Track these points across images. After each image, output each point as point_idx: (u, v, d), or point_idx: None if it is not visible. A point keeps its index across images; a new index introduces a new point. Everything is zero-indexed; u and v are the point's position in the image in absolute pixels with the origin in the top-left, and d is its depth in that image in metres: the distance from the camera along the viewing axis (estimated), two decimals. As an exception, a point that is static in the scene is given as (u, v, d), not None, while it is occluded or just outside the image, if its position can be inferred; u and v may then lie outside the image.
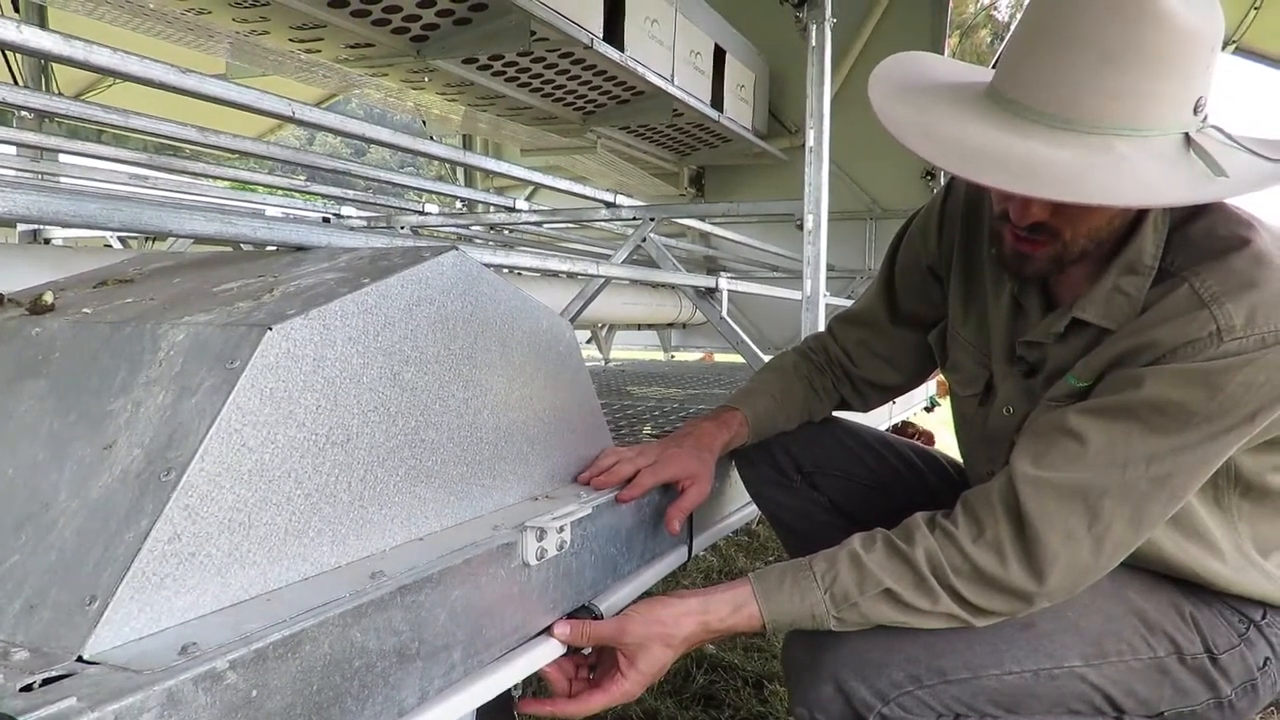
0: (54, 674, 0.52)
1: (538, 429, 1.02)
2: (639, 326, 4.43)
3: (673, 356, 4.81)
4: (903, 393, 1.43)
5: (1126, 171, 0.74)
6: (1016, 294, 1.12)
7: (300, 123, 1.28)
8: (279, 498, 0.68)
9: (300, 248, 0.94)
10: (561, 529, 0.93)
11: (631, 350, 5.01)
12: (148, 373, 0.68)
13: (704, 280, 2.09)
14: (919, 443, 1.44)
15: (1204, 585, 1.09)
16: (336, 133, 1.30)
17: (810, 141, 1.98)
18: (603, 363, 4.05)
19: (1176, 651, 1.07)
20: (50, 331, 0.75)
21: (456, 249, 0.88)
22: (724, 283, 2.15)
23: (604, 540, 1.04)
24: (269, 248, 0.97)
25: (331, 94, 4.67)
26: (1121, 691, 1.06)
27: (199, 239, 0.80)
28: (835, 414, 1.44)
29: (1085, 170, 0.74)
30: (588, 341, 4.33)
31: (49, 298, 0.79)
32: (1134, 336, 0.96)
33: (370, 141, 1.45)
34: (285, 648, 0.60)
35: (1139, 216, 1.00)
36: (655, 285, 4.33)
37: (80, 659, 0.54)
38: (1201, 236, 0.97)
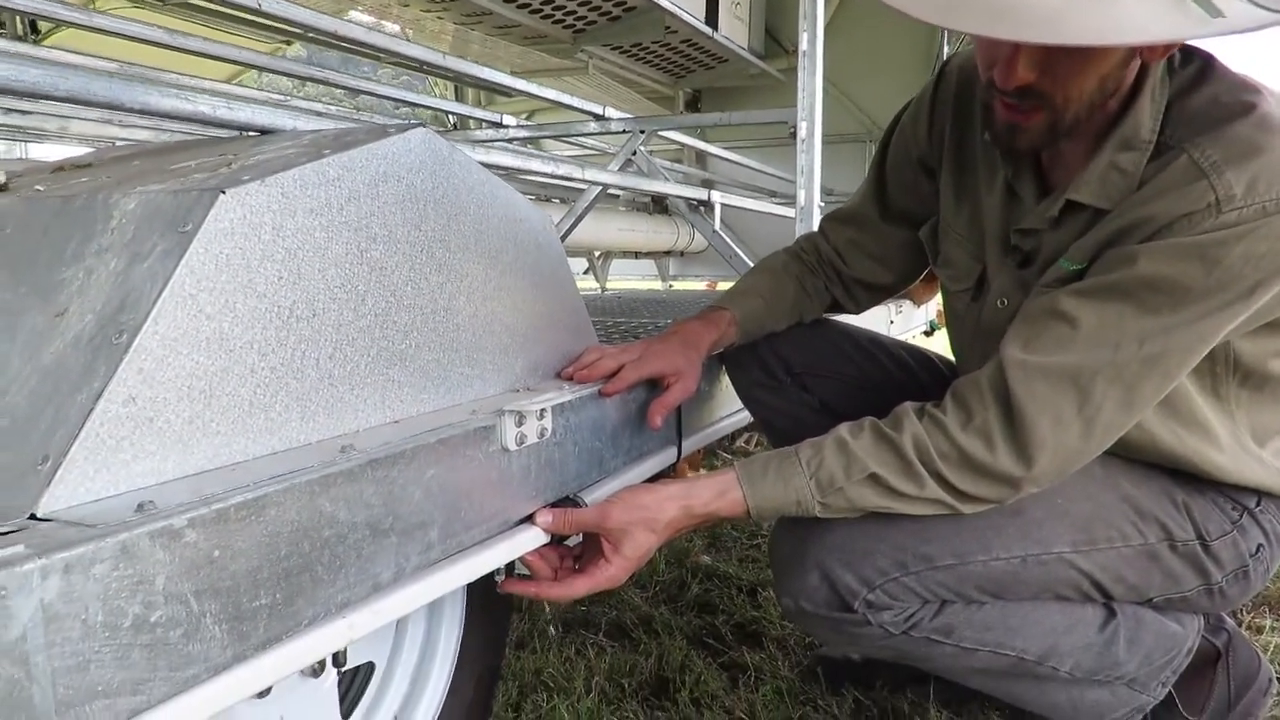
0: (4, 529, 0.51)
1: (517, 320, 1.00)
2: (636, 255, 4.38)
3: (671, 286, 4.77)
4: (894, 293, 1.40)
5: (1112, 11, 0.71)
6: (1010, 180, 1.09)
7: (268, 18, 1.23)
8: (241, 368, 0.66)
9: (265, 131, 0.91)
10: (542, 415, 0.92)
11: (629, 280, 4.97)
12: (99, 241, 0.66)
13: (696, 192, 2.06)
14: None
15: (1199, 475, 1.08)
16: (306, 32, 1.25)
17: (804, 44, 1.93)
18: (599, 291, 4.02)
19: (1168, 538, 1.07)
20: (2, 208, 0.72)
21: (424, 125, 0.85)
22: (716, 196, 2.11)
23: (588, 433, 1.03)
24: (234, 135, 0.94)
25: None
26: (1110, 577, 1.06)
27: (153, 113, 0.77)
28: (827, 316, 1.42)
29: (1068, 10, 0.71)
30: (585, 272, 4.29)
31: (2, 177, 0.77)
32: (1129, 213, 0.93)
33: (347, 44, 1.40)
34: (248, 511, 0.59)
35: (1135, 88, 0.96)
36: (651, 212, 4.28)
37: (34, 516, 0.53)
38: (1203, 106, 0.93)
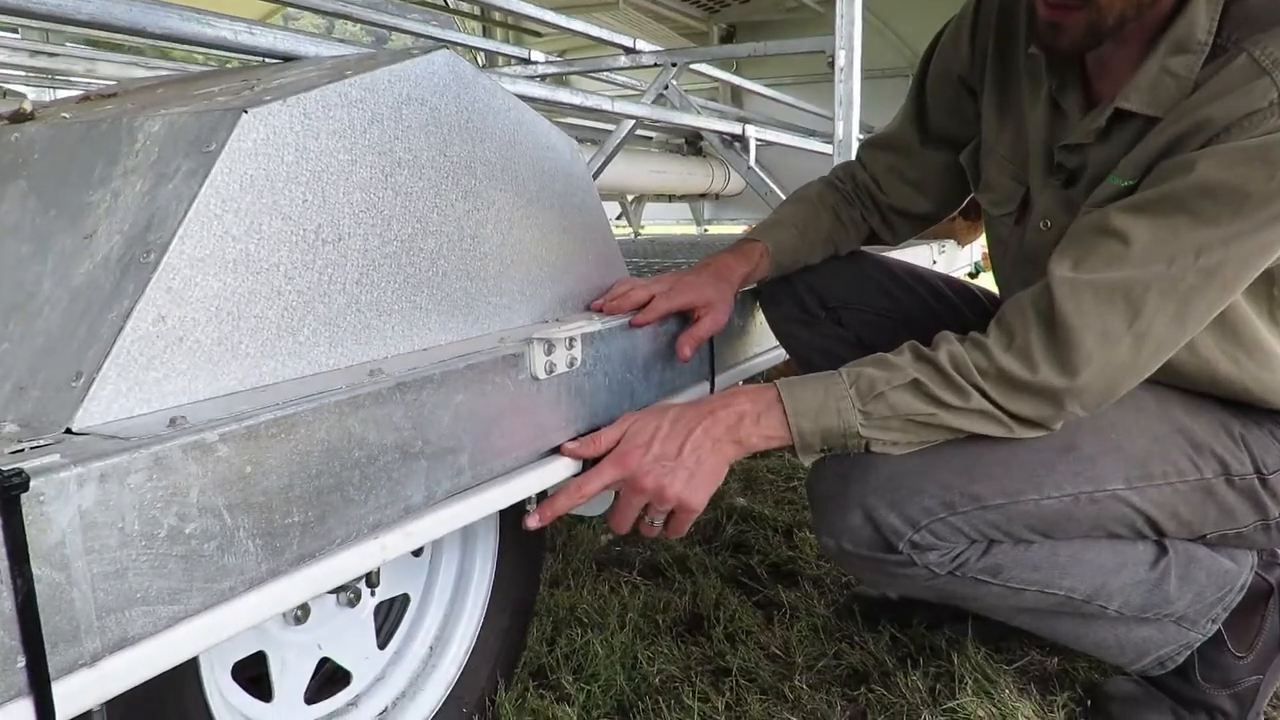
0: (42, 442, 0.53)
1: (546, 251, 1.00)
2: (669, 198, 4.35)
3: (706, 230, 4.74)
4: (933, 222, 1.38)
5: None
6: (1054, 93, 1.06)
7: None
8: (268, 290, 0.67)
9: (288, 58, 0.91)
10: (571, 344, 0.92)
11: (663, 225, 4.95)
12: (125, 163, 0.67)
13: (730, 126, 2.03)
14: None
15: (1255, 403, 1.06)
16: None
17: (841, -32, 1.88)
18: (632, 235, 4.01)
19: (1224, 472, 1.05)
20: (29, 135, 0.74)
21: (448, 48, 0.85)
22: (751, 130, 2.09)
23: (618, 364, 1.04)
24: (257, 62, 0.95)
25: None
26: (1165, 514, 1.04)
27: (174, 38, 0.77)
28: (864, 249, 1.40)
29: None
30: (618, 217, 4.28)
31: (28, 106, 0.78)
32: (1184, 119, 0.90)
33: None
34: (279, 429, 0.61)
35: None
36: (684, 154, 4.24)
37: (69, 430, 0.55)
38: (1262, 6, 0.90)
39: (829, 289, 1.33)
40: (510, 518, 1.10)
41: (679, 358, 1.12)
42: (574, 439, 0.95)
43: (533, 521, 0.92)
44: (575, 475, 0.95)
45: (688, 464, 0.93)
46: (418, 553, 1.07)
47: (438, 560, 1.10)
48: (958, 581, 1.03)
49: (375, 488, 0.70)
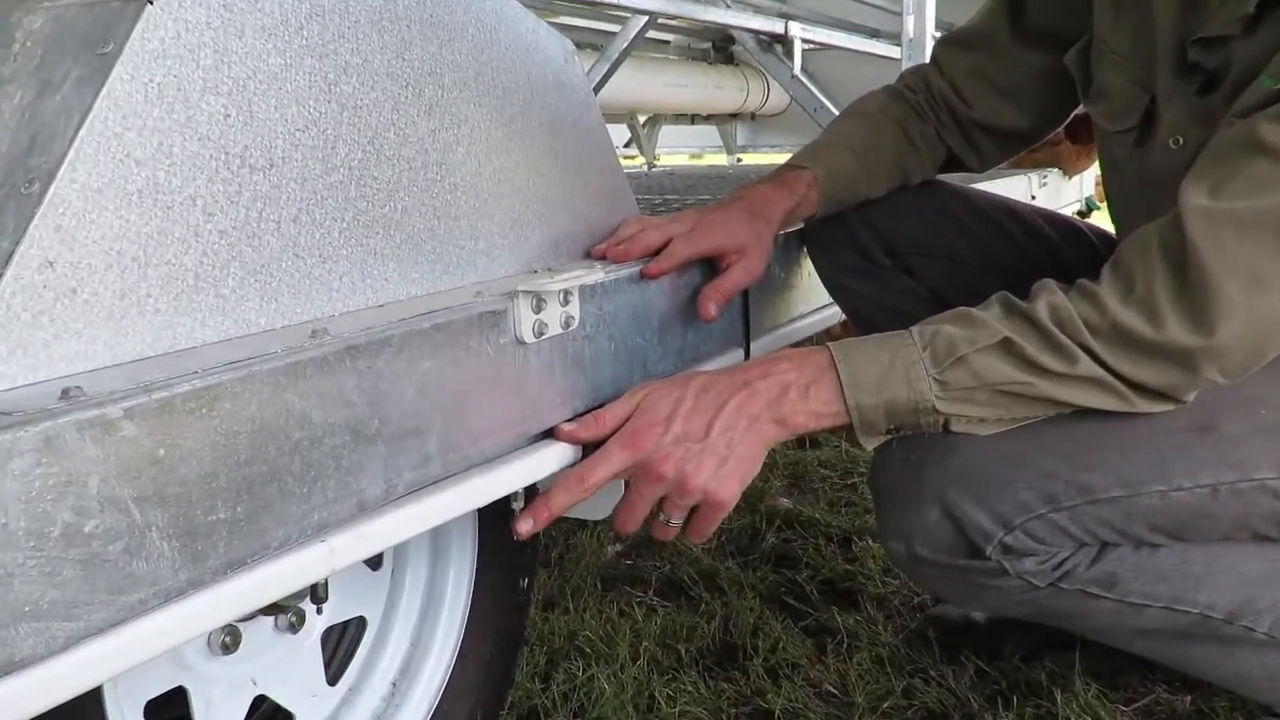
0: (-98, 419, 0.54)
1: (534, 181, 1.00)
2: (692, 119, 4.34)
3: (740, 160, 4.73)
4: (1029, 143, 1.38)
5: None
6: None
7: None
8: (183, 231, 0.68)
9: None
10: (566, 298, 0.93)
11: (684, 153, 4.94)
12: (0, 71, 0.67)
13: (770, 24, 2.02)
14: None
15: None
16: None
17: None
18: (644, 167, 4.00)
19: None
20: (-122, 37, 0.74)
21: (405, -80, 0.85)
22: (797, 29, 2.08)
23: (627, 326, 1.04)
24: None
25: None
26: None
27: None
28: (939, 177, 1.40)
29: None
30: (626, 144, 4.27)
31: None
32: None
33: None
34: (198, 402, 0.62)
35: None
36: (712, 62, 4.22)
37: (-64, 405, 0.56)
38: None
39: (896, 229, 1.33)
40: (492, 519, 1.11)
41: (703, 317, 1.13)
42: (572, 420, 0.96)
43: (523, 526, 0.93)
44: (574, 465, 0.96)
45: (717, 447, 0.93)
46: (376, 564, 1.09)
47: (401, 573, 1.11)
48: (1061, 596, 1.03)
49: (320, 478, 0.70)
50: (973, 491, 0.99)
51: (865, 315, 1.38)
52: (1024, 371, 0.94)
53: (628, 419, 0.95)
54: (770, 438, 0.96)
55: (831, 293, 1.41)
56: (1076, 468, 0.99)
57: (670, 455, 0.93)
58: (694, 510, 0.96)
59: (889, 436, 1.00)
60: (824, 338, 1.27)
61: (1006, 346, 0.94)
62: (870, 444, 1.00)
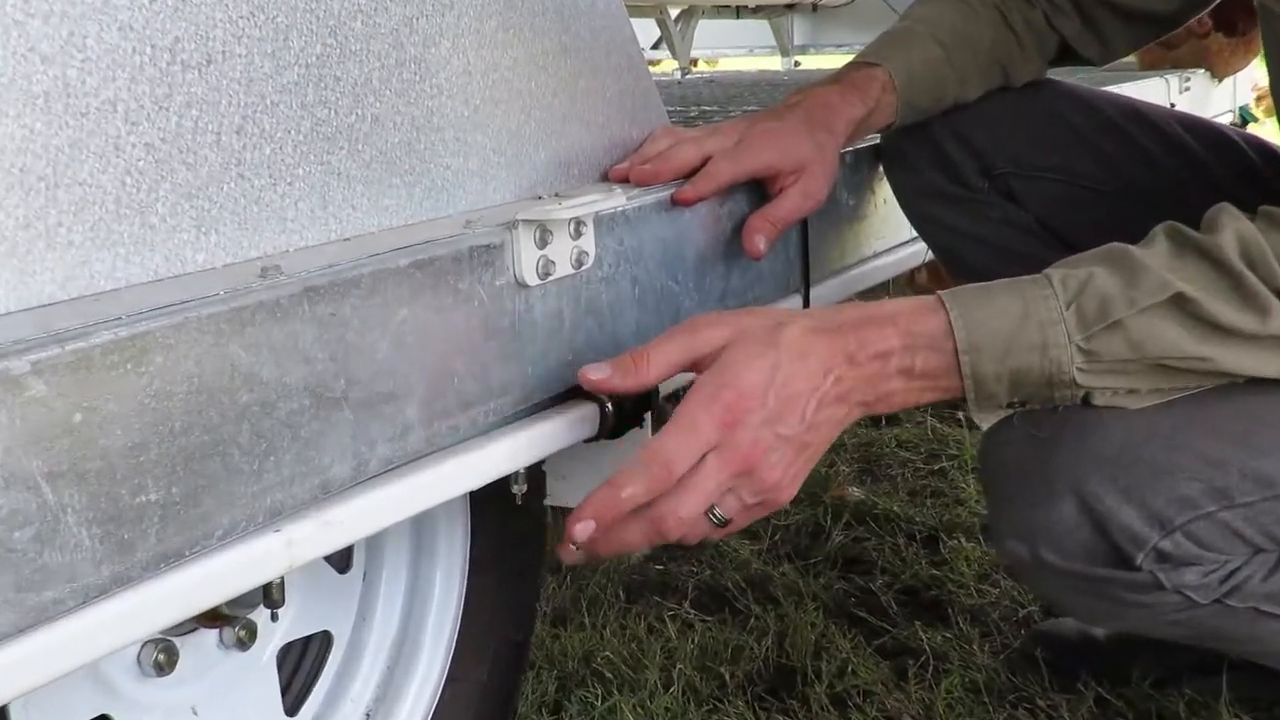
0: None
1: (539, 85, 1.00)
2: (737, 11, 4.31)
3: (797, 64, 4.71)
4: (1165, 29, 1.36)
5: None
6: None
7: None
8: (101, 144, 0.69)
9: None
10: (578, 229, 0.93)
11: (728, 56, 4.92)
12: None
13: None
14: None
15: None
16: None
17: None
18: (677, 73, 3.98)
19: None
20: None
21: None
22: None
23: (654, 264, 1.05)
24: None
25: None
26: None
27: None
28: (1048, 77, 1.39)
29: None
30: (654, 45, 4.26)
31: None
32: None
33: None
34: (123, 356, 0.62)
35: None
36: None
37: None
38: None
39: (995, 142, 1.32)
40: (488, 507, 1.12)
41: (750, 253, 1.13)
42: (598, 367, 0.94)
43: (572, 552, 0.91)
44: (599, 435, 0.97)
45: (804, 437, 0.92)
46: (345, 564, 1.10)
47: (375, 576, 1.12)
48: (1228, 615, 1.01)
49: (275, 452, 0.71)
50: (1120, 482, 0.96)
51: (957, 252, 1.38)
52: (1202, 341, 0.90)
53: (689, 367, 0.93)
54: (851, 421, 0.96)
55: (914, 223, 1.41)
56: (1252, 452, 0.96)
57: (760, 442, 0.90)
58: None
59: (1010, 410, 0.98)
60: (906, 289, 1.26)
61: (1179, 304, 0.89)
62: (985, 421, 0.99)
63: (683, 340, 0.93)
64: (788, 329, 0.92)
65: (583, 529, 0.87)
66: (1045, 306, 0.91)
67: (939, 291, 0.95)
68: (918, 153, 1.35)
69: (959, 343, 0.92)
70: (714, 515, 0.93)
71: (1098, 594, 1.01)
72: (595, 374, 0.92)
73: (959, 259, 1.38)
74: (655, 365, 0.92)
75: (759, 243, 1.12)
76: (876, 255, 1.46)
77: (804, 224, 1.24)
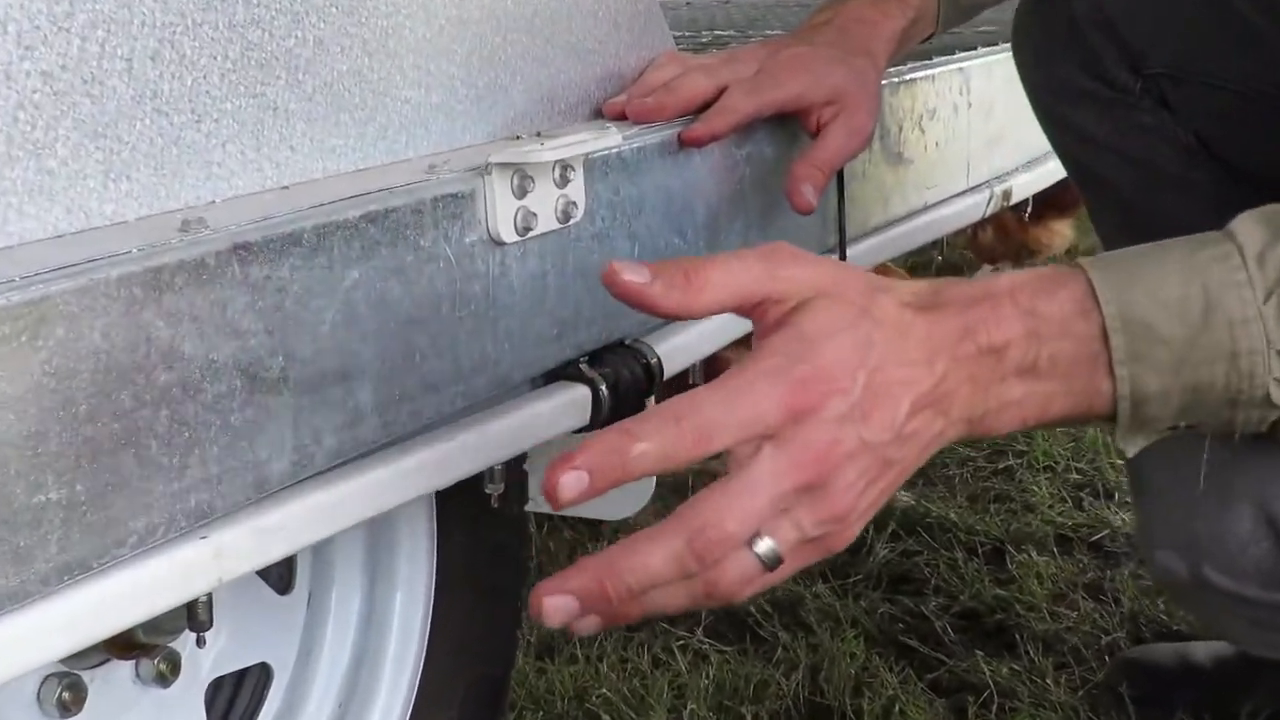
0: None
1: (516, 2, 1.01)
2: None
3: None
4: None
5: None
6: None
7: None
8: (-15, 71, 0.69)
9: None
10: (565, 175, 0.93)
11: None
12: None
13: None
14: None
15: None
16: None
17: None
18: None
19: None
20: None
21: None
22: None
23: (657, 219, 1.05)
24: None
25: None
26: None
27: None
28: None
29: None
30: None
31: None
32: None
33: None
34: (15, 327, 0.62)
35: None
36: None
37: None
38: None
39: (1149, 33, 1.25)
40: (459, 511, 1.12)
41: (798, 207, 1.11)
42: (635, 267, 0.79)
43: (554, 606, 0.74)
44: (591, 425, 0.97)
45: (897, 454, 0.79)
46: (286, 583, 1.10)
47: (323, 597, 1.12)
48: None
49: (199, 443, 0.71)
50: None
51: (1091, 167, 1.31)
52: None
53: (751, 316, 0.81)
54: (944, 444, 0.84)
55: (1043, 125, 1.37)
56: None
57: (841, 445, 0.76)
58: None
59: (1171, 433, 0.87)
60: (965, 251, 1.25)
61: None
62: (1132, 447, 0.87)
63: (758, 269, 0.79)
64: (880, 298, 0.80)
65: (572, 481, 0.72)
66: (1237, 297, 0.81)
67: (1081, 259, 0.84)
68: (1051, 37, 1.31)
69: (1114, 347, 0.81)
70: (761, 549, 0.76)
71: (1272, 623, 1.00)
72: (631, 275, 0.77)
73: (1092, 175, 1.33)
74: (714, 288, 0.78)
75: (807, 194, 1.09)
76: (927, 208, 1.46)
77: (841, 173, 1.23)
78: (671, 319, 0.93)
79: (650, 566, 0.73)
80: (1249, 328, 0.79)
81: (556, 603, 0.73)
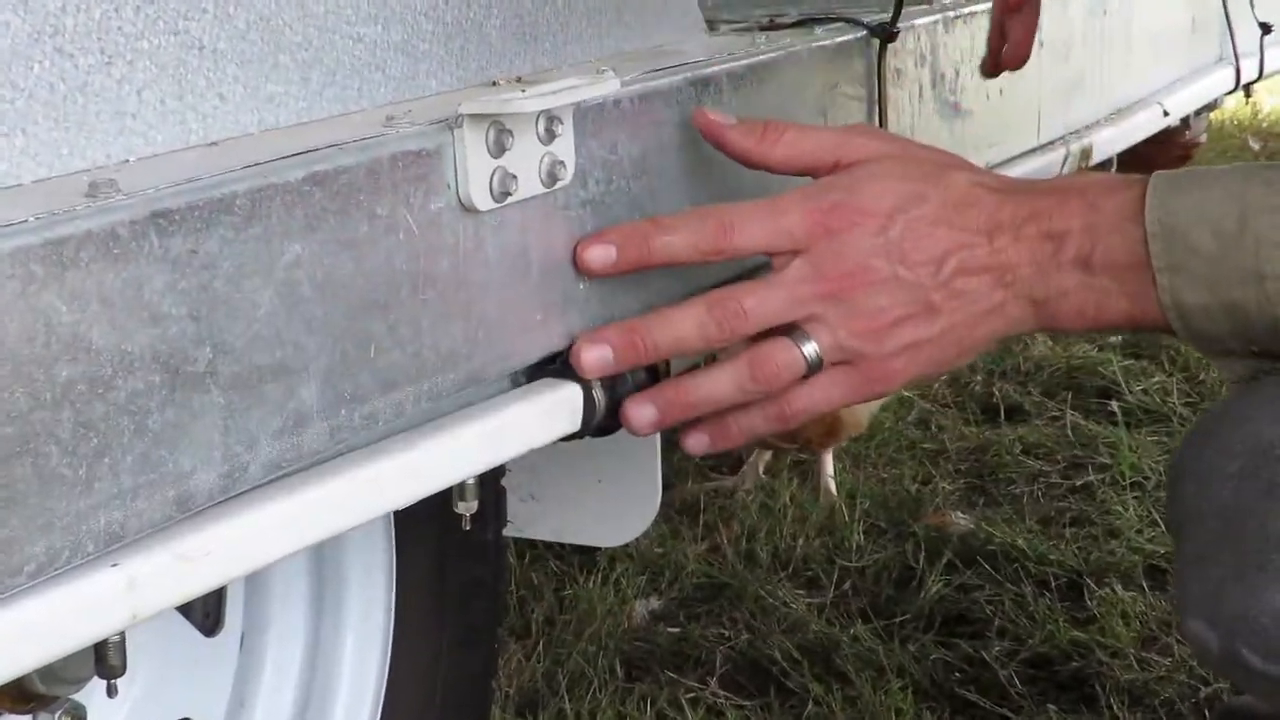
0: None
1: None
2: None
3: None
4: None
5: None
6: None
7: None
8: None
9: None
10: (552, 129, 0.94)
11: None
12: None
13: None
14: None
15: None
16: None
17: None
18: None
19: None
20: None
21: None
22: None
23: (665, 182, 1.05)
24: None
25: None
26: None
27: None
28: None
29: None
30: None
31: None
32: None
33: None
34: (-114, 310, 0.63)
35: None
36: None
37: None
38: None
39: None
40: (421, 535, 1.13)
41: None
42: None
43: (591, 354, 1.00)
44: (582, 432, 0.97)
45: (943, 302, 0.96)
46: (213, 622, 1.10)
47: (258, 639, 1.13)
48: None
49: (110, 451, 0.71)
50: None
51: None
52: None
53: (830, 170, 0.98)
54: (1008, 327, 1.00)
55: None
56: None
57: (869, 270, 0.95)
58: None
59: (1254, 359, 0.98)
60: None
61: None
62: (1226, 373, 1.00)
63: (834, 135, 1.00)
64: (956, 173, 0.98)
65: (599, 253, 0.97)
66: (1270, 222, 0.92)
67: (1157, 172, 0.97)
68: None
69: (1154, 256, 0.94)
70: (803, 341, 0.97)
71: None
72: (717, 116, 1.00)
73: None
74: (787, 145, 0.99)
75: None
76: (990, 168, 1.46)
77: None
78: (745, 164, 1.02)
79: (675, 325, 0.98)
80: (1276, 252, 0.91)
81: (594, 353, 0.98)
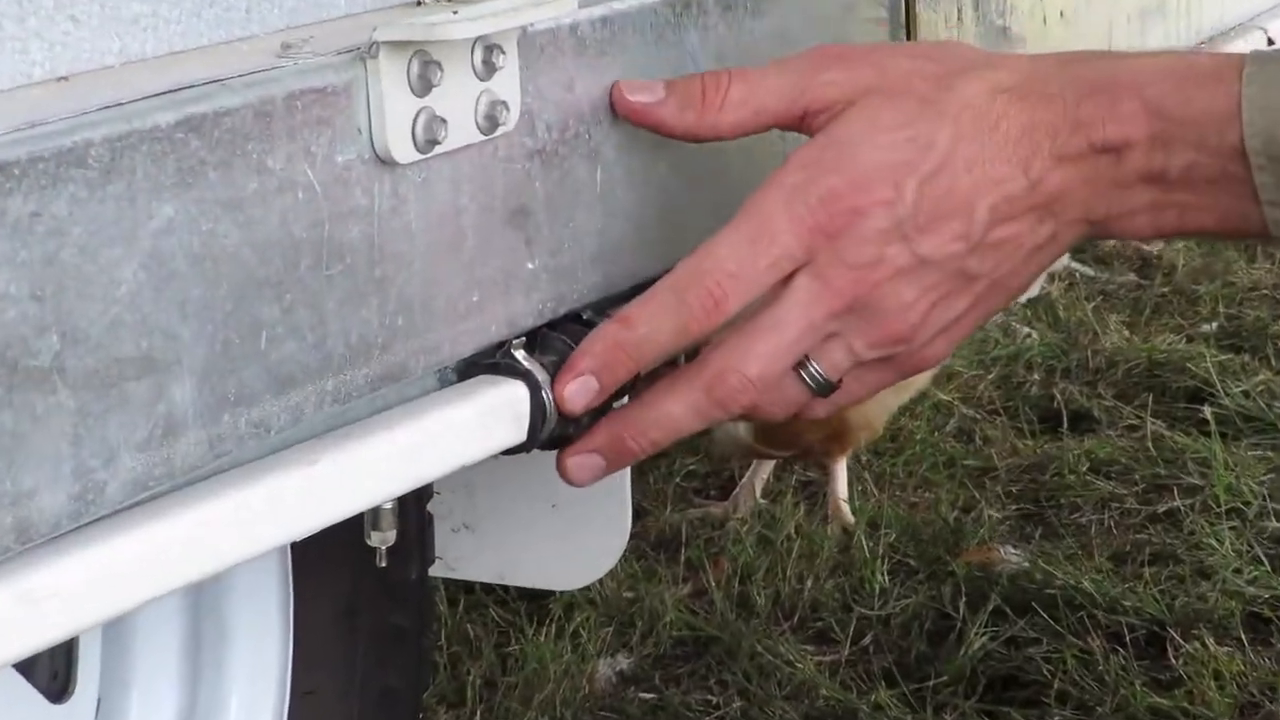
0: None
1: None
2: None
3: None
4: None
5: None
6: None
7: None
8: None
9: None
10: (491, 59, 0.95)
11: None
12: None
13: None
14: None
15: None
16: None
17: None
18: None
19: None
20: None
21: None
22: None
23: (632, 132, 1.06)
24: None
25: None
26: None
27: None
28: None
29: None
30: None
31: None
32: None
33: None
34: None
35: None
36: None
37: None
38: None
39: None
40: (327, 574, 1.13)
41: None
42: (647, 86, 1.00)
43: (579, 464, 1.01)
44: (529, 444, 0.98)
45: (981, 265, 0.97)
46: (63, 683, 1.11)
47: (119, 703, 1.13)
48: None
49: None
50: None
51: None
52: None
53: (796, 129, 0.98)
54: (1064, 248, 1.00)
55: None
56: None
57: (884, 263, 0.95)
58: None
59: None
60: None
61: None
62: None
63: (792, 75, 0.98)
64: (965, 84, 0.96)
65: (579, 388, 0.95)
66: None
67: (1249, 53, 0.96)
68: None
69: (1260, 189, 0.93)
70: (809, 373, 0.98)
71: None
72: (639, 94, 0.99)
73: None
74: (735, 106, 0.97)
75: None
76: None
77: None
78: (693, 142, 1.02)
79: (672, 418, 0.97)
80: None
81: (581, 461, 0.99)
